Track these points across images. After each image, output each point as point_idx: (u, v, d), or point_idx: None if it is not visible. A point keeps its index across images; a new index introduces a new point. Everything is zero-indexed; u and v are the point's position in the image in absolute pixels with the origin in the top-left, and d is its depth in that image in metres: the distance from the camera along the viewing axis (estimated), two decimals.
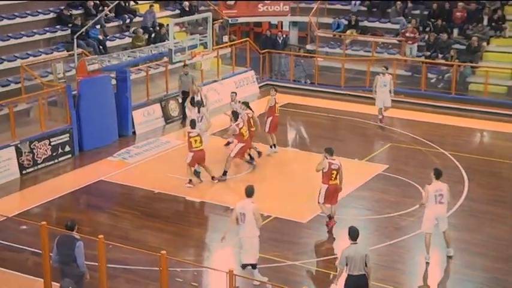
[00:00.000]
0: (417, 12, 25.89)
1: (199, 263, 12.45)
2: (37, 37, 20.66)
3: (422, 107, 22.11)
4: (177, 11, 25.32)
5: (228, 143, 17.78)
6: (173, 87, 20.89)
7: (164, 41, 21.44)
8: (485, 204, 15.06)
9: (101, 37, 21.76)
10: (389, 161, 17.75)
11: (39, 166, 16.91)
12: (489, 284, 12.00)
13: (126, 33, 23.13)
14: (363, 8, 26.82)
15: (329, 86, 24.17)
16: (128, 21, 23.40)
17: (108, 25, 22.70)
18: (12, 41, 19.96)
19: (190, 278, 11.91)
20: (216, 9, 26.24)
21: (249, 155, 17.20)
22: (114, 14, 23.27)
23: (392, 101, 20.38)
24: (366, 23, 26.25)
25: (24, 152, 16.56)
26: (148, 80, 20.97)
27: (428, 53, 23.95)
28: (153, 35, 22.91)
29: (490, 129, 20.48)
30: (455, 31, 24.75)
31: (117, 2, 22.30)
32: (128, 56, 19.16)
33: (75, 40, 19.08)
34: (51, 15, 21.60)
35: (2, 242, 12.35)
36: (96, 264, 10.32)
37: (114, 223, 14.17)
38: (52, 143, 17.23)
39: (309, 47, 26.88)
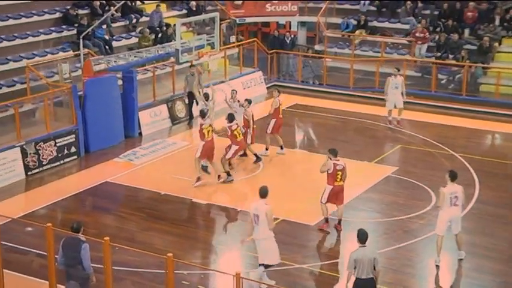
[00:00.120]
0: (427, 12, 25.84)
1: (206, 265, 12.47)
2: (43, 37, 20.75)
3: (432, 108, 22.06)
4: (184, 11, 25.37)
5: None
6: (180, 87, 20.93)
7: (171, 41, 21.50)
8: (496, 207, 15.02)
9: (107, 37, 21.84)
10: (399, 163, 17.73)
11: (45, 167, 16.98)
12: None
13: (133, 33, 23.20)
14: (372, 8, 26.79)
15: (338, 87, 24.16)
16: (134, 21, 23.48)
17: (114, 25, 22.77)
18: (18, 41, 20.06)
19: (197, 281, 11.92)
20: (224, 9, 26.27)
21: (255, 154, 17.23)
22: (120, 14, 23.35)
23: (403, 102, 20.29)
24: (375, 23, 26.22)
25: (30, 153, 16.63)
26: (155, 80, 21.02)
27: (439, 54, 23.90)
28: (159, 35, 22.97)
29: (501, 131, 20.41)
30: (467, 31, 24.69)
31: (123, 1, 22.37)
32: (135, 56, 19.21)
33: (81, 40, 19.16)
34: (57, 15, 21.70)
35: (7, 243, 12.38)
36: (102, 266, 10.35)
37: (120, 225, 14.21)
38: (58, 144, 17.29)
39: (317, 47, 26.88)
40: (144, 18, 23.75)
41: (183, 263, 11.10)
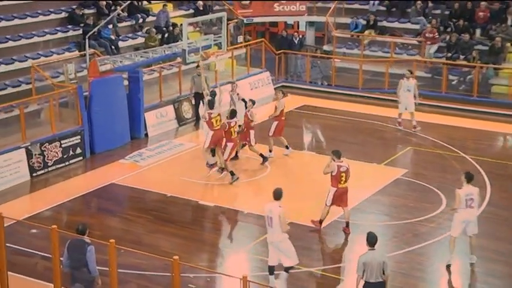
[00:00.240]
0: (438, 12, 25.78)
1: (212, 268, 12.47)
2: (48, 37, 20.82)
3: (442, 109, 21.99)
4: (191, 11, 25.41)
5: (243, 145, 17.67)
6: (187, 88, 20.94)
7: (178, 41, 21.53)
8: (508, 210, 14.96)
9: (113, 37, 21.89)
10: (409, 165, 17.69)
11: (50, 168, 17.02)
12: None
13: (139, 33, 23.25)
14: (382, 8, 26.75)
15: (346, 88, 24.12)
16: (140, 20, 23.52)
17: (120, 25, 22.83)
18: (23, 41, 20.13)
19: (203, 284, 11.93)
20: (231, 9, 26.29)
21: (261, 154, 17.26)
22: (126, 14, 23.41)
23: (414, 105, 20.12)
24: (384, 23, 26.18)
25: (35, 154, 16.68)
26: (162, 81, 21.05)
27: (450, 54, 23.83)
28: (166, 35, 23.00)
29: None
30: (478, 31, 24.60)
31: (129, 1, 22.42)
32: (141, 57, 19.24)
33: (87, 40, 19.20)
34: (63, 14, 21.77)
35: (11, 246, 12.41)
36: (107, 269, 10.36)
37: (126, 227, 14.23)
38: (63, 145, 17.33)
39: (325, 47, 26.85)
40: (150, 18, 23.79)
41: (190, 265, 11.09)
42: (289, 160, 17.83)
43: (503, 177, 16.77)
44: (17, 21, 20.40)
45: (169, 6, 24.62)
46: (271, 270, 11.67)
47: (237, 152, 17.49)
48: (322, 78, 25.35)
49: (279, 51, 25.09)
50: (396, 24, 26.08)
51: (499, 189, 15.93)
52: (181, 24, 20.96)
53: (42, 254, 12.47)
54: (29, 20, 20.73)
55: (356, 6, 27.29)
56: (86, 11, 22.12)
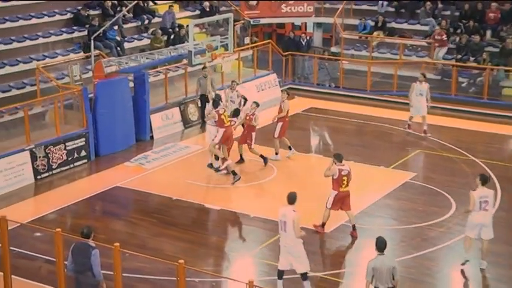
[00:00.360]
0: (448, 13, 25.73)
1: (218, 273, 12.47)
2: (53, 38, 20.88)
3: (452, 112, 21.95)
4: (197, 12, 25.45)
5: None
6: (193, 90, 20.96)
7: (184, 42, 21.55)
8: None
9: (118, 38, 21.94)
10: (418, 168, 17.66)
11: (54, 171, 17.06)
12: None
13: (145, 35, 23.29)
14: (391, 9, 26.72)
15: (354, 90, 24.10)
16: (146, 22, 23.57)
17: (126, 26, 22.88)
18: (28, 42, 20.20)
19: None
20: (238, 10, 26.32)
21: (261, 155, 17.34)
22: (132, 15, 23.46)
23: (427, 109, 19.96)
24: (393, 25, 26.15)
25: (39, 157, 16.73)
26: (167, 82, 21.08)
27: (459, 56, 23.78)
28: (172, 37, 23.04)
29: None
30: (488, 33, 24.54)
31: (135, 2, 22.46)
32: (146, 58, 19.28)
33: (92, 41, 19.25)
34: (68, 15, 21.84)
35: (15, 249, 12.45)
36: (112, 273, 10.37)
37: (131, 231, 14.24)
38: (67, 148, 17.37)
39: (333, 49, 26.84)
40: (156, 19, 23.84)
41: (195, 270, 11.10)
42: (296, 163, 17.81)
43: None
44: (21, 22, 20.47)
45: (176, 7, 24.66)
46: (281, 274, 11.64)
47: (241, 155, 17.51)
48: (329, 80, 25.35)
49: (286, 53, 25.10)
50: (405, 26, 26.05)
51: (510, 193, 15.86)
52: (187, 26, 20.99)
53: (46, 257, 12.50)
54: (33, 21, 20.80)
55: (364, 7, 27.27)
56: (91, 12, 22.18)
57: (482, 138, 20.02)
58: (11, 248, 11.52)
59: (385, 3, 26.77)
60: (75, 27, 21.61)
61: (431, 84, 22.07)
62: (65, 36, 21.24)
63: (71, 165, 17.46)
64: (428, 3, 25.74)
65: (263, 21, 27.46)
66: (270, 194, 16.10)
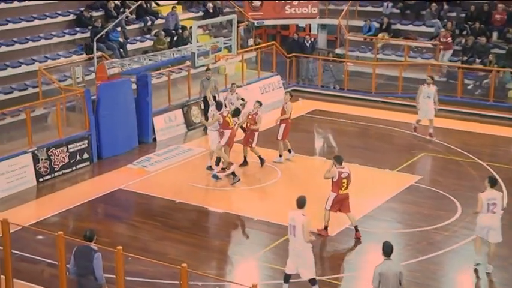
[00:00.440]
0: (453, 14, 25.71)
1: (221, 276, 12.47)
2: (56, 40, 20.91)
3: (458, 114, 21.93)
4: (201, 13, 25.47)
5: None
6: (196, 92, 20.98)
7: (187, 44, 21.58)
8: None
9: (121, 40, 21.97)
10: (423, 171, 17.63)
11: (56, 174, 17.09)
12: None
13: (148, 36, 23.32)
14: (396, 10, 26.72)
15: (359, 92, 24.10)
16: (149, 23, 23.60)
17: (129, 27, 22.91)
18: (30, 44, 20.23)
19: None
20: (241, 11, 26.34)
21: (259, 156, 17.40)
22: (135, 16, 23.49)
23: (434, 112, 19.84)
24: (398, 26, 26.15)
25: (41, 159, 16.75)
26: (170, 84, 21.10)
27: (465, 58, 23.76)
28: (175, 38, 23.07)
29: None
30: (495, 34, 24.51)
31: (138, 3, 22.49)
32: (149, 60, 19.30)
33: (94, 43, 19.28)
34: (71, 17, 21.87)
35: (17, 252, 12.47)
36: (114, 276, 10.38)
37: (133, 234, 14.25)
38: (70, 150, 17.40)
39: (338, 51, 26.85)
40: (159, 21, 23.87)
41: (198, 273, 11.10)
42: (299, 165, 17.81)
43: None
44: (23, 24, 20.50)
45: (179, 8, 24.69)
46: (287, 278, 11.62)
47: (245, 157, 17.54)
48: (334, 82, 25.35)
49: (290, 55, 25.12)
50: (410, 27, 26.04)
51: None
52: (190, 27, 21.02)
53: (48, 260, 12.52)
54: (36, 22, 20.83)
55: (369, 8, 27.27)
56: (94, 13, 22.21)
57: (489, 140, 19.99)
58: (12, 251, 11.54)
59: (390, 4, 26.77)
60: (77, 29, 21.64)
61: (437, 87, 22.03)
62: (67, 37, 21.27)
63: (73, 168, 17.48)
64: (434, 4, 25.73)
65: (267, 22, 27.48)
66: (273, 197, 16.11)
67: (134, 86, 19.53)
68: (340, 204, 13.64)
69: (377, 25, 26.22)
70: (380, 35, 25.87)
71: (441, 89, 22.96)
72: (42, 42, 20.56)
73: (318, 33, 28.56)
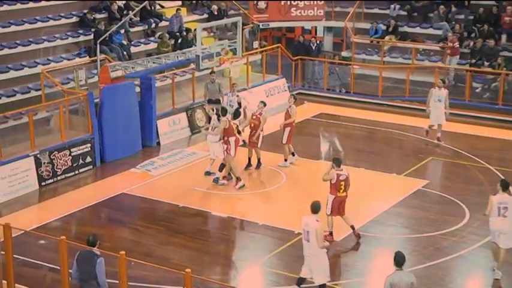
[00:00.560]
0: (462, 16, 25.69)
1: (225, 282, 12.47)
2: (59, 42, 20.99)
3: (466, 118, 21.89)
4: (205, 15, 25.52)
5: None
6: (200, 95, 21.01)
7: (191, 46, 21.63)
8: None
9: (125, 42, 22.03)
10: (430, 176, 17.62)
11: (59, 178, 17.13)
12: None
13: (152, 39, 23.38)
14: (403, 13, 26.71)
15: (365, 96, 24.09)
16: (153, 25, 23.66)
17: (132, 30, 22.98)
18: (33, 46, 20.31)
19: None
20: (246, 14, 26.37)
21: (258, 159, 17.45)
22: (139, 18, 23.56)
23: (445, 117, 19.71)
24: (405, 29, 26.14)
25: (44, 163, 16.80)
26: (174, 87, 21.13)
27: (474, 61, 23.73)
28: (179, 41, 23.12)
29: None
30: (504, 37, 24.49)
31: (142, 5, 22.55)
32: (153, 62, 19.35)
33: (98, 45, 19.33)
34: (74, 19, 21.95)
35: (19, 257, 12.49)
36: (117, 282, 10.40)
37: (137, 239, 14.27)
38: (72, 154, 17.44)
39: (344, 53, 26.85)
40: (163, 23, 23.93)
41: (202, 279, 11.10)
42: (304, 169, 17.80)
43: None
44: (26, 26, 20.58)
45: (183, 10, 24.74)
46: (300, 282, 11.66)
47: (249, 159, 17.58)
48: (340, 85, 25.34)
49: (296, 57, 25.13)
50: (418, 30, 26.03)
51: None
52: (195, 29, 21.07)
53: (51, 265, 12.54)
54: (39, 24, 20.91)
55: (376, 10, 27.27)
56: (97, 16, 22.28)
57: (497, 145, 19.96)
58: (14, 255, 11.57)
59: (397, 6, 26.76)
60: (80, 31, 21.71)
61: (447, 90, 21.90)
62: (70, 40, 21.35)
63: (76, 172, 17.52)
64: (442, 6, 25.71)
65: (272, 25, 27.49)
66: (278, 202, 16.11)
67: (138, 89, 19.56)
68: (339, 206, 13.64)
69: (384, 27, 26.21)
70: (387, 37, 25.86)
71: (449, 92, 22.94)
72: (45, 44, 20.64)
73: (324, 36, 28.55)
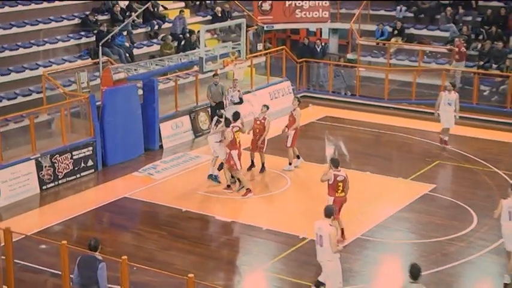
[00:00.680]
0: (469, 18, 25.66)
1: (229, 287, 12.45)
2: (60, 44, 21.02)
3: (473, 121, 21.85)
4: (209, 17, 25.54)
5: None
6: (204, 98, 21.02)
7: (195, 48, 21.65)
8: None
9: (127, 44, 22.06)
10: (437, 180, 17.58)
11: (60, 181, 17.14)
12: None
13: (155, 41, 23.41)
14: (409, 14, 26.70)
15: (371, 99, 24.08)
16: (156, 27, 23.69)
17: (135, 31, 23.00)
18: (35, 48, 20.34)
19: None
20: (251, 15, 26.40)
21: (263, 163, 17.48)
22: (142, 20, 23.58)
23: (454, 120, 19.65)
24: (412, 30, 26.12)
25: (45, 166, 16.82)
26: (177, 90, 21.14)
27: (482, 63, 23.70)
28: (182, 43, 23.14)
29: None
30: None
31: (145, 7, 22.58)
32: (156, 65, 19.37)
33: (100, 47, 19.36)
34: (76, 20, 21.98)
35: (19, 262, 12.51)
36: (119, 287, 10.40)
37: (139, 243, 14.27)
38: (74, 157, 17.46)
39: (349, 56, 26.85)
40: (166, 25, 23.95)
41: (205, 284, 11.10)
42: (309, 173, 17.77)
43: None
44: (28, 28, 20.62)
45: (186, 12, 24.77)
46: (318, 284, 11.67)
47: (252, 161, 17.59)
48: (345, 88, 25.33)
49: (301, 60, 25.13)
50: (424, 32, 26.01)
51: None
52: (198, 31, 21.07)
53: (52, 270, 12.54)
54: (40, 26, 20.94)
55: (382, 12, 27.26)
56: (100, 17, 22.31)
57: (505, 148, 19.92)
58: (15, 260, 11.59)
59: (404, 8, 26.75)
60: (82, 33, 21.74)
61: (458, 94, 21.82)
62: (72, 42, 21.38)
63: (78, 175, 17.53)
64: (449, 8, 25.69)
65: (277, 26, 27.51)
66: (282, 206, 16.10)
67: (140, 92, 19.59)
68: (339, 207, 13.61)
69: (390, 29, 26.19)
70: (393, 39, 25.85)
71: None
72: (47, 46, 20.67)
73: (329, 38, 28.55)
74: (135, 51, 22.20)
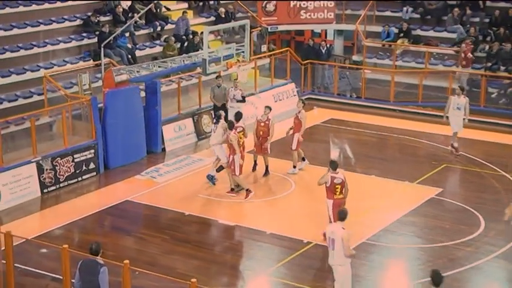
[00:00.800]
0: (477, 19, 25.64)
1: None
2: (62, 45, 21.05)
3: (481, 124, 21.83)
4: (212, 18, 25.58)
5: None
6: (207, 100, 21.05)
7: (198, 50, 21.67)
8: None
9: (130, 46, 22.09)
10: (444, 184, 17.56)
11: (62, 184, 17.17)
12: None
13: (157, 42, 23.44)
14: (416, 15, 26.69)
15: (377, 101, 24.09)
16: (159, 28, 23.73)
17: (137, 33, 23.03)
18: (36, 50, 20.38)
19: None
20: (255, 16, 26.43)
21: (266, 167, 17.51)
22: (144, 21, 23.61)
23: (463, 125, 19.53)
24: (418, 32, 26.12)
25: (46, 169, 16.85)
26: (180, 92, 21.17)
27: (489, 65, 23.68)
28: (185, 44, 23.17)
29: None
30: None
31: (148, 8, 22.63)
32: (159, 67, 19.39)
33: (102, 49, 19.40)
34: (78, 22, 22.01)
35: (20, 266, 12.54)
36: None
37: (141, 247, 14.29)
38: (75, 160, 17.49)
39: (355, 57, 26.85)
40: (169, 26, 23.98)
41: None
42: (313, 176, 17.67)
43: None
44: (29, 29, 20.66)
45: (189, 13, 24.79)
46: None
47: (255, 161, 17.61)
48: (351, 90, 25.35)
49: (305, 61, 25.15)
50: (431, 33, 26.00)
51: None
52: (201, 33, 21.11)
53: (53, 275, 12.56)
54: (42, 27, 20.98)
55: (388, 13, 27.26)
56: (102, 18, 22.34)
57: None
58: (15, 264, 11.62)
59: (410, 9, 26.75)
60: (84, 34, 21.78)
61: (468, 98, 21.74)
62: (74, 43, 21.41)
63: (79, 179, 17.56)
64: (456, 9, 25.67)
65: (281, 28, 27.52)
66: (286, 210, 16.09)
67: (143, 94, 19.62)
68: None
69: (396, 31, 26.19)
70: (399, 41, 25.85)
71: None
72: (48, 48, 20.70)
73: (334, 39, 28.58)
74: (138, 53, 22.23)
